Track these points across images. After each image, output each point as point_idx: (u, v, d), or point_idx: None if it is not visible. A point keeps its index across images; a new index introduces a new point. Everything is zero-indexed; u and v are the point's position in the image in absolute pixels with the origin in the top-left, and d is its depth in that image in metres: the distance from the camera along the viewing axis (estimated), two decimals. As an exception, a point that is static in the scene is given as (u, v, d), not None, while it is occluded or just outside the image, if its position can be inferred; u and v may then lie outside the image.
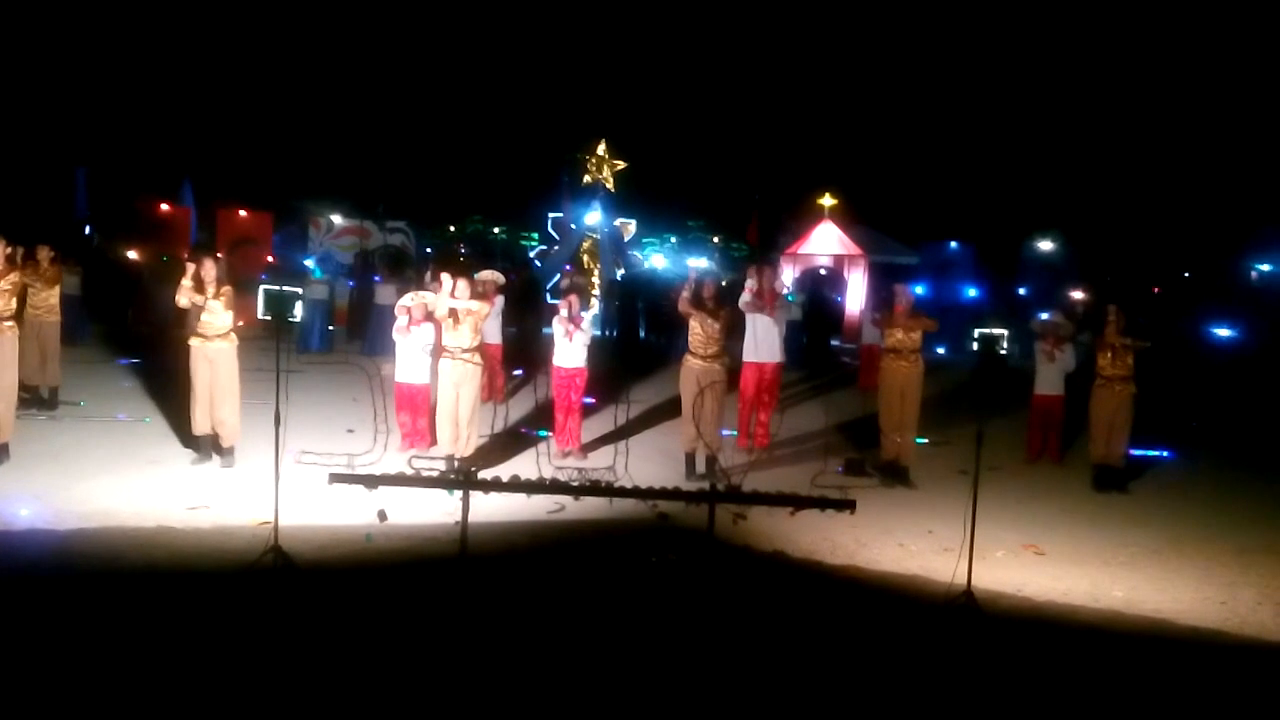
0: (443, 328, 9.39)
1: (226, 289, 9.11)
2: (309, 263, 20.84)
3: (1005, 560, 7.68)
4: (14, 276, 8.98)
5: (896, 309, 10.13)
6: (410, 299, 10.05)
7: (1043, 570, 7.51)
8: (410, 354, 10.11)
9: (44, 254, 11.24)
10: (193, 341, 9.12)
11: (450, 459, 9.28)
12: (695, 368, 9.72)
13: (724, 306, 10.04)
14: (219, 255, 9.64)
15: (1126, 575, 7.49)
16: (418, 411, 10.24)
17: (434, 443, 10.04)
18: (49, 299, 11.30)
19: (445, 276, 9.61)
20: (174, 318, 13.65)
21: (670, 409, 11.84)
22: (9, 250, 8.99)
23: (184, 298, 9.03)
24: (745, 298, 10.77)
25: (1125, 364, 10.00)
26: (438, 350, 9.56)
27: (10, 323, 8.91)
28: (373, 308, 17.47)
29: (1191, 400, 15.08)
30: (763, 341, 10.77)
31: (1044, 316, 11.63)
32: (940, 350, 19.02)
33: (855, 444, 11.21)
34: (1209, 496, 10.01)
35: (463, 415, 9.27)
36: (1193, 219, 34.52)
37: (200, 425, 9.19)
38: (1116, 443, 10.06)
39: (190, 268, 9.17)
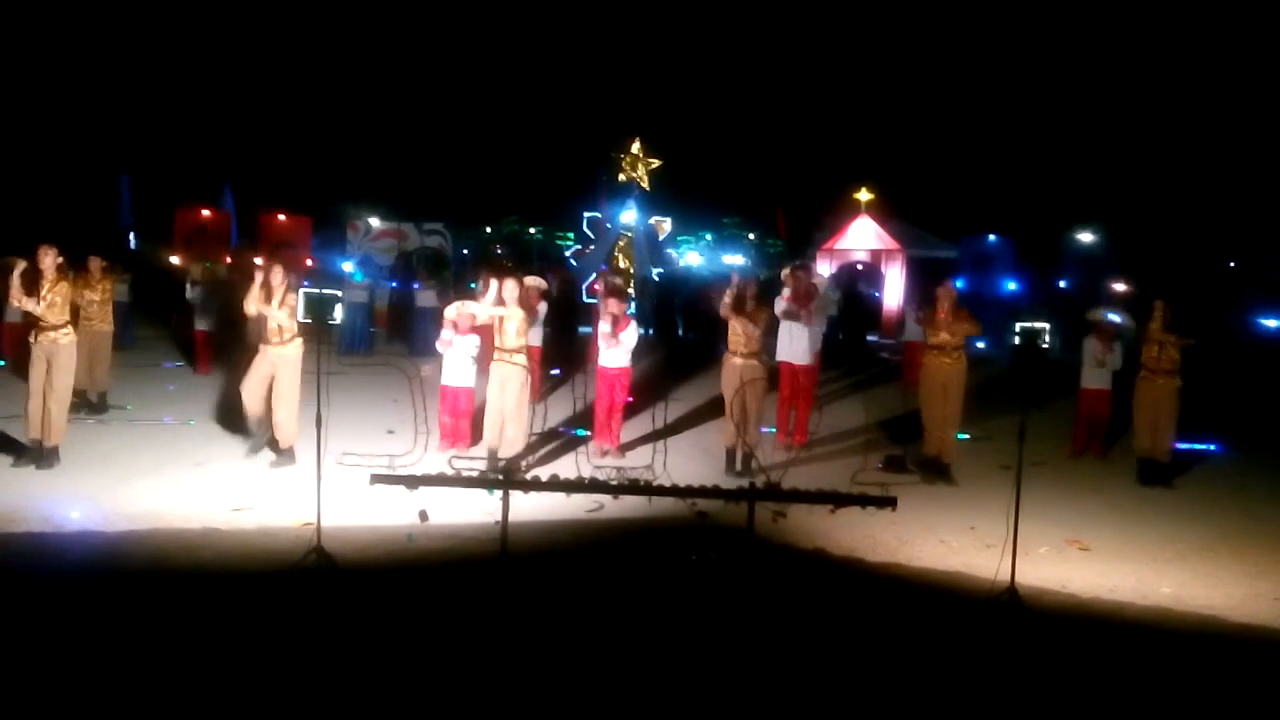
0: (494, 331, 9.52)
1: (291, 297, 9.11)
2: (348, 265, 21.04)
3: (1049, 556, 7.58)
4: (64, 287, 9.09)
5: (940, 311, 9.93)
6: (453, 311, 10.13)
7: (1088, 566, 7.41)
8: (456, 359, 10.21)
9: (95, 264, 11.59)
10: (262, 346, 9.40)
11: (494, 456, 9.35)
12: (737, 365, 9.82)
13: (763, 309, 10.14)
14: (285, 262, 9.91)
15: (1175, 571, 7.37)
16: (459, 414, 10.32)
17: (475, 442, 10.14)
18: (102, 308, 11.60)
19: (492, 281, 9.75)
20: (220, 322, 13.97)
21: (709, 408, 11.84)
22: (60, 260, 9.09)
23: (252, 305, 9.22)
24: (782, 305, 10.76)
25: (1170, 358, 9.89)
26: (486, 354, 9.70)
27: (66, 330, 9.07)
28: (414, 310, 17.76)
29: (1239, 393, 14.81)
30: (796, 342, 10.83)
31: (1113, 318, 11.28)
32: (980, 344, 18.81)
33: (896, 440, 11.13)
34: (1259, 491, 9.82)
35: (507, 414, 9.34)
36: (1238, 208, 33.92)
37: (253, 410, 9.45)
38: (1162, 438, 9.94)
39: (259, 275, 9.35)
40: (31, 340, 8.98)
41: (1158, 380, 9.91)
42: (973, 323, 9.91)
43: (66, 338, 9.07)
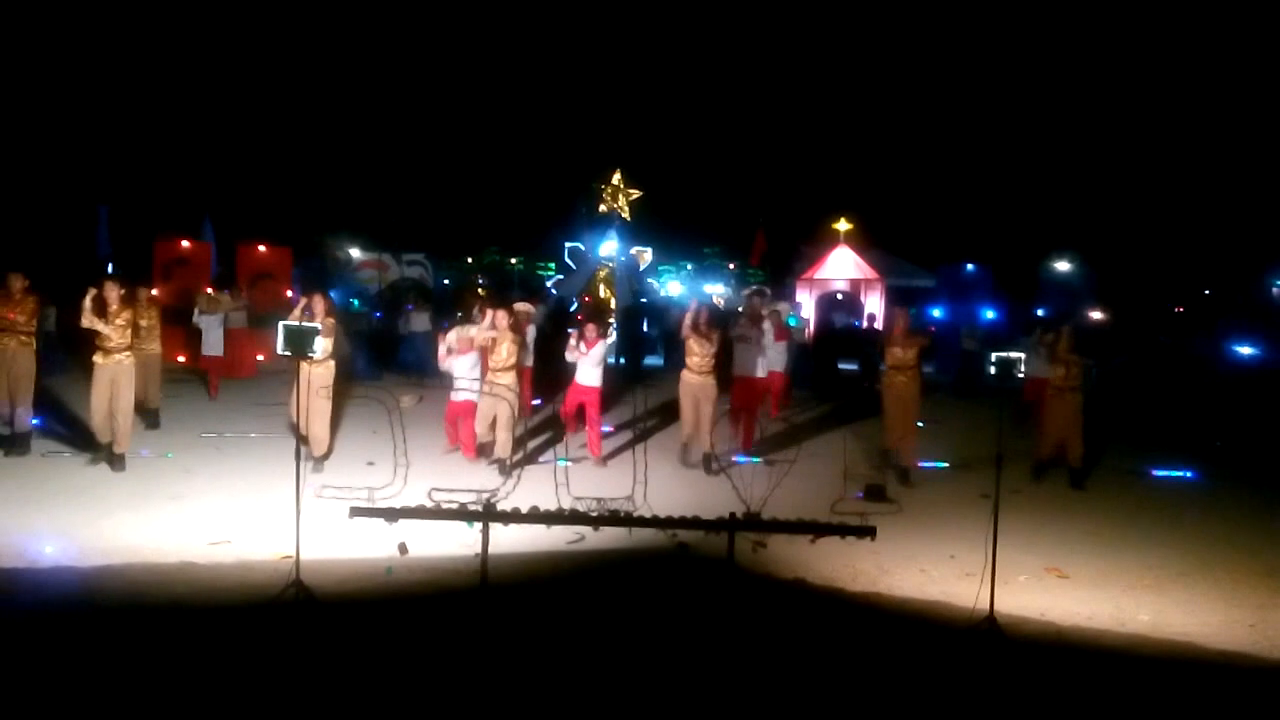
0: (488, 354, 11.04)
1: (329, 320, 10.52)
2: (330, 295, 21.14)
3: (1028, 585, 7.62)
4: (128, 314, 10.36)
5: (895, 329, 11.23)
6: (453, 336, 11.39)
7: (1066, 594, 7.44)
8: (460, 374, 11.36)
9: (143, 294, 12.64)
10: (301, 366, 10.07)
11: (502, 462, 10.62)
12: (693, 381, 11.17)
13: (715, 330, 11.47)
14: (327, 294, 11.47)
15: (1152, 598, 7.41)
16: (455, 423, 11.48)
17: (475, 451, 11.36)
18: (150, 332, 12.54)
19: (488, 311, 11.24)
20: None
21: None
22: (124, 291, 10.42)
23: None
24: (736, 329, 12.11)
25: (1075, 376, 10.98)
26: (483, 372, 11.15)
27: (127, 353, 10.32)
28: (407, 336, 18.96)
29: (1215, 419, 14.95)
30: (742, 360, 12.04)
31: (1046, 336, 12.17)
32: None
33: (876, 469, 11.17)
34: (1235, 517, 9.89)
35: (499, 424, 10.84)
36: (1213, 236, 34.38)
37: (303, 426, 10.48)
38: (1073, 445, 10.92)
39: (302, 301, 10.64)
40: (97, 361, 10.21)
41: (1066, 396, 10.93)
42: (923, 338, 11.23)
43: (129, 359, 10.35)
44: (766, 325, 12.42)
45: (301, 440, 10.44)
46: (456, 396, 11.42)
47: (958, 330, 19.78)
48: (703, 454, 11.16)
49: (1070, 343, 11.08)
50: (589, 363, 11.41)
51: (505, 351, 10.99)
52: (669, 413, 13.92)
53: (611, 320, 22.84)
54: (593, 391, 11.49)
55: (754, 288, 14.48)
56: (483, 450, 11.41)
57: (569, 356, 11.56)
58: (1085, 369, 11.09)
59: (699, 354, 11.11)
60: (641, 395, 13.10)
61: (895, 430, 10.97)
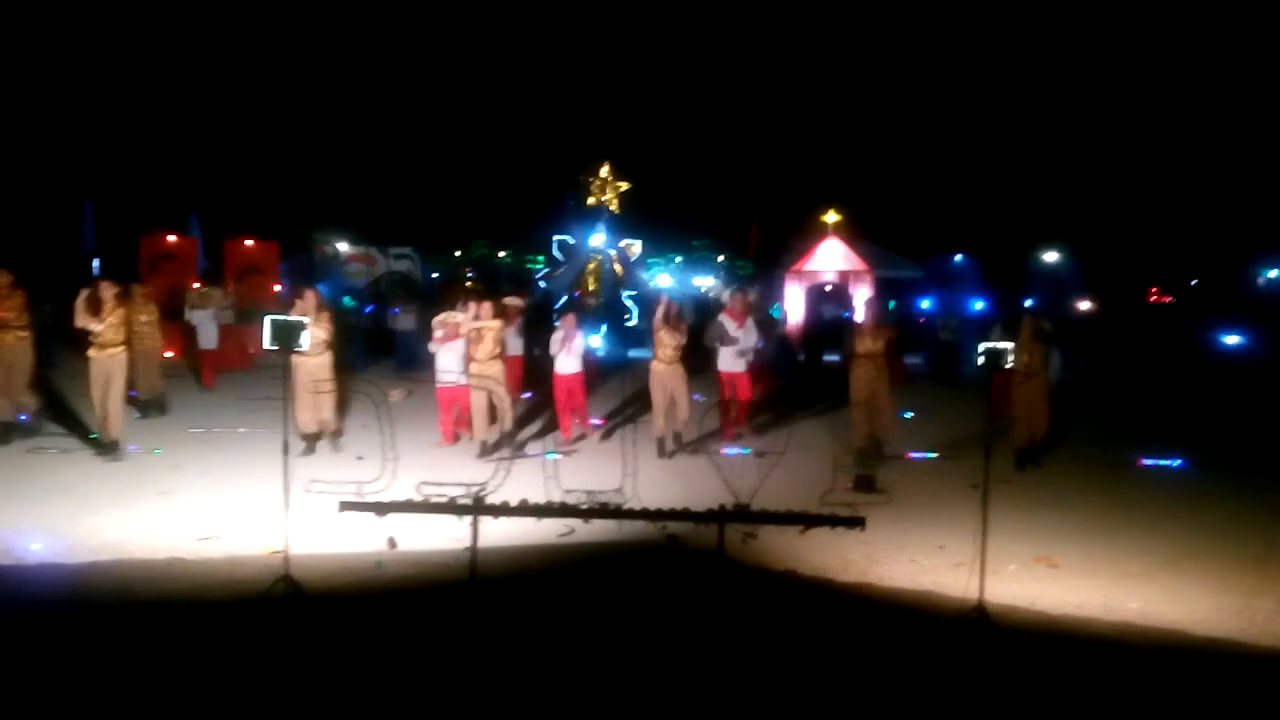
0: (470, 343, 11.44)
1: (322, 314, 10.99)
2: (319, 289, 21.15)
3: (1018, 574, 7.63)
4: (122, 312, 10.66)
5: (865, 320, 11.79)
6: (442, 319, 11.78)
7: (1056, 583, 7.46)
8: (446, 363, 11.66)
9: (138, 291, 13.10)
10: (295, 357, 10.21)
11: (485, 446, 11.13)
12: (662, 370, 11.61)
13: (683, 323, 12.02)
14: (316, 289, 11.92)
15: (1141, 586, 7.43)
16: (450, 412, 11.81)
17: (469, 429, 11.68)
18: (151, 327, 13.20)
19: (472, 304, 11.57)
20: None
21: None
22: (117, 290, 10.66)
23: None
24: (720, 327, 12.47)
25: (1036, 363, 11.26)
26: (467, 360, 11.47)
27: (121, 348, 10.59)
28: (397, 333, 19.18)
29: (1202, 408, 15.01)
30: (731, 355, 12.49)
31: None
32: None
33: (864, 460, 11.19)
34: (1223, 505, 9.91)
35: (497, 402, 11.37)
36: (1200, 227, 34.52)
37: (305, 425, 11.05)
38: (1038, 424, 11.27)
39: (296, 303, 11.02)
40: (91, 356, 10.43)
41: (1030, 381, 11.16)
42: (890, 329, 11.72)
43: (122, 353, 10.59)
44: (749, 322, 12.70)
45: (305, 439, 10.96)
46: (441, 381, 11.69)
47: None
48: (686, 437, 11.61)
49: (1032, 333, 11.29)
50: (570, 355, 12.04)
51: (490, 342, 11.34)
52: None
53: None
54: (576, 378, 12.14)
55: (736, 286, 15.12)
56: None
57: (553, 351, 12.06)
58: (1071, 360, 11.22)
59: (669, 345, 11.61)
60: (630, 387, 13.14)
61: (861, 423, 11.31)
